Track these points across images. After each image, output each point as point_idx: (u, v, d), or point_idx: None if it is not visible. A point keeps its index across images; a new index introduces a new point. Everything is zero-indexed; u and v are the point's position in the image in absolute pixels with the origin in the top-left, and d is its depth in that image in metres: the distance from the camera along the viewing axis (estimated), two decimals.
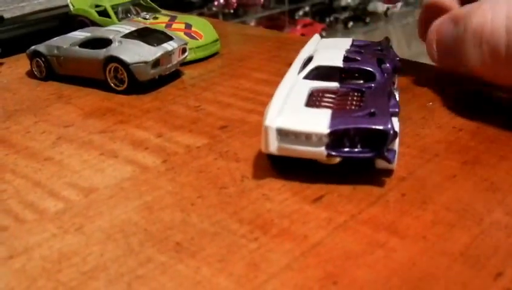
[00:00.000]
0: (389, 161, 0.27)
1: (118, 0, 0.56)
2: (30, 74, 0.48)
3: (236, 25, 0.71)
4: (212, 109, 0.38)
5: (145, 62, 0.41)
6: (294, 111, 0.29)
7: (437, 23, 0.37)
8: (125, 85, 0.42)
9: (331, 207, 0.26)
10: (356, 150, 0.27)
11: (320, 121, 0.27)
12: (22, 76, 0.49)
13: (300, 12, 2.61)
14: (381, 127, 0.27)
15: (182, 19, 0.53)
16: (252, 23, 2.35)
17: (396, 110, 0.29)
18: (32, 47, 0.47)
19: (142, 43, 0.43)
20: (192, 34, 0.50)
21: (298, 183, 0.29)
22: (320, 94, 0.31)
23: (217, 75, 0.45)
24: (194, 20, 0.53)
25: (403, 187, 0.28)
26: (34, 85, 0.46)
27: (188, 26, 0.51)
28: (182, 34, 0.49)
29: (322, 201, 0.27)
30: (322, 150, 0.27)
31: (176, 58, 0.44)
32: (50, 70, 0.46)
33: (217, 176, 0.30)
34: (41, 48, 0.47)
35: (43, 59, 0.46)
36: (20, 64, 0.51)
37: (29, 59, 0.48)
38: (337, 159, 0.28)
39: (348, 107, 0.30)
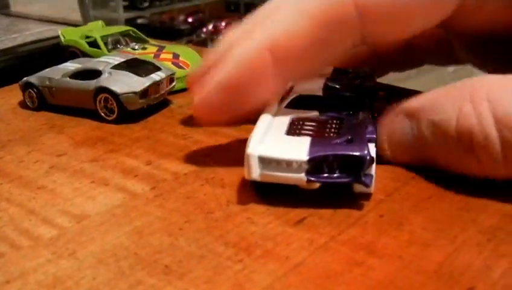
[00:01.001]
0: (367, 185, 0.28)
1: (108, 31, 0.58)
2: (23, 105, 0.50)
3: None
4: (199, 136, 0.40)
5: (134, 92, 0.43)
6: (275, 139, 0.30)
7: (387, 121, 0.33)
8: (115, 115, 0.43)
9: (313, 229, 0.28)
10: (335, 175, 0.29)
11: (300, 149, 0.29)
12: (14, 106, 0.50)
13: None
14: (357, 153, 0.28)
15: (170, 48, 0.54)
16: None
17: (374, 136, 0.31)
18: (25, 78, 0.49)
19: (131, 74, 0.44)
20: (180, 63, 0.51)
21: (281, 207, 0.30)
22: (301, 122, 0.33)
23: None
24: (182, 49, 0.54)
25: (381, 209, 0.29)
26: (26, 115, 0.47)
27: (176, 56, 0.53)
28: (169, 63, 0.51)
29: (304, 223, 0.28)
30: (302, 176, 0.28)
31: (164, 88, 0.45)
32: (42, 101, 0.48)
33: (203, 202, 0.31)
34: (33, 79, 0.48)
35: (35, 90, 0.48)
36: (12, 94, 0.52)
37: (22, 90, 0.49)
38: (317, 185, 0.29)
39: (327, 135, 0.31)
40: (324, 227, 0.28)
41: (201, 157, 0.36)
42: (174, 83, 0.47)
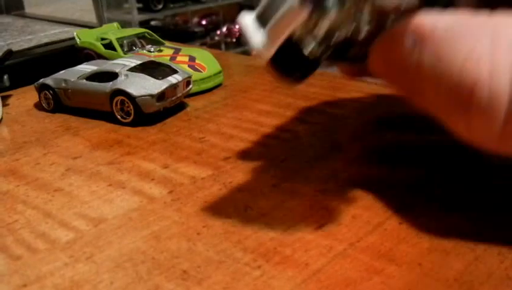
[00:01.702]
0: None
1: (123, 34, 0.58)
2: (38, 106, 0.50)
3: (239, 56, 0.72)
4: (215, 140, 0.40)
5: (151, 95, 0.42)
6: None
7: (389, 34, 0.26)
8: (131, 117, 0.43)
9: (331, 235, 0.28)
10: None
11: None
12: (30, 108, 0.50)
13: None
14: None
15: (186, 51, 0.54)
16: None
17: None
18: (41, 80, 0.49)
19: (147, 76, 0.44)
20: (196, 66, 0.51)
21: (300, 213, 0.30)
22: None
23: (220, 107, 0.47)
24: (198, 52, 0.54)
25: (400, 216, 0.29)
26: (42, 117, 0.48)
27: (192, 58, 0.53)
28: (186, 66, 0.51)
29: (323, 230, 0.28)
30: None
31: (181, 91, 0.45)
32: (58, 103, 0.48)
33: (221, 206, 0.31)
34: (49, 81, 0.48)
35: (51, 92, 0.48)
36: (27, 96, 0.53)
37: (38, 92, 0.49)
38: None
39: None
40: (343, 234, 0.28)
41: (218, 161, 0.36)
42: (190, 86, 0.47)
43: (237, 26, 2.28)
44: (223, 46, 2.22)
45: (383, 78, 0.28)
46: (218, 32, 2.23)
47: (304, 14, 0.23)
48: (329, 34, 0.26)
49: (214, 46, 2.22)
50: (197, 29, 2.16)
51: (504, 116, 0.22)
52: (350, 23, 0.26)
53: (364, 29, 0.26)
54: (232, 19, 2.32)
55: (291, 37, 0.25)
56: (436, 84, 0.24)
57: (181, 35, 2.02)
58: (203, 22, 2.23)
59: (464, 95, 0.23)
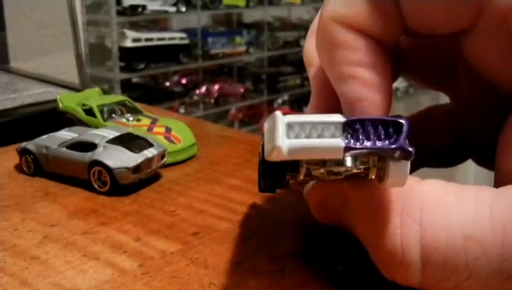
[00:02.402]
0: (409, 155, 0.24)
1: (104, 101, 0.61)
2: (18, 168, 0.52)
3: (214, 126, 0.75)
4: (186, 214, 0.42)
5: (127, 168, 0.45)
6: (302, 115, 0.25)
7: (319, 187, 0.31)
8: (107, 187, 0.46)
9: None
10: (377, 142, 0.24)
11: (334, 116, 0.25)
12: (10, 169, 0.52)
13: (279, 101, 2.69)
14: (398, 119, 0.25)
15: (163, 122, 0.57)
16: (233, 111, 2.42)
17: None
18: (23, 144, 0.51)
19: (124, 149, 0.47)
20: (172, 138, 0.54)
21: None
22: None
23: (192, 179, 0.49)
24: (174, 123, 0.57)
25: None
26: (22, 180, 0.50)
27: (168, 130, 0.55)
28: (162, 137, 0.54)
29: None
30: (339, 142, 0.24)
31: (155, 164, 0.48)
32: (38, 167, 0.50)
33: (187, 282, 0.33)
34: (30, 145, 0.50)
35: (32, 156, 0.50)
36: (9, 157, 0.54)
37: (19, 155, 0.51)
38: (349, 163, 0.26)
39: None
40: None
41: (187, 236, 0.39)
42: (165, 159, 0.50)
43: (216, 87, 2.33)
44: (201, 106, 2.26)
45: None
46: (197, 91, 2.27)
47: (339, 156, 0.25)
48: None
49: (193, 105, 2.26)
50: (176, 89, 2.19)
51: (420, 278, 0.25)
52: None
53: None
54: (211, 79, 2.37)
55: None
56: (363, 239, 0.28)
57: (161, 94, 2.06)
58: (183, 81, 2.28)
59: (383, 260, 0.26)
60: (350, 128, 0.24)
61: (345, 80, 0.27)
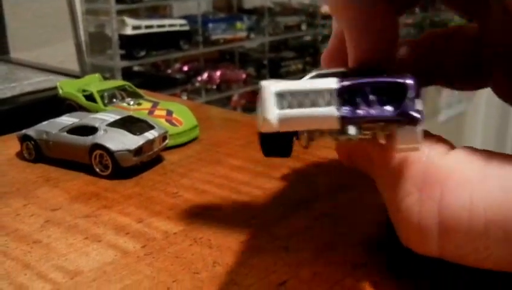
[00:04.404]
0: (415, 119, 0.23)
1: (104, 86, 0.60)
2: (19, 155, 0.51)
3: (216, 109, 0.75)
4: (188, 195, 0.42)
5: (129, 150, 0.45)
6: (295, 82, 0.24)
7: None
8: (109, 171, 0.45)
9: None
10: (374, 110, 0.23)
11: (327, 81, 0.23)
12: (11, 157, 0.52)
13: None
14: (401, 80, 0.23)
15: (164, 105, 0.56)
16: (235, 97, 2.41)
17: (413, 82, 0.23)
18: (23, 131, 0.51)
19: (125, 131, 0.46)
20: (173, 120, 0.54)
21: (264, 269, 0.32)
22: (325, 73, 0.27)
23: (194, 161, 0.49)
24: (175, 106, 0.57)
25: (358, 274, 0.31)
26: (23, 167, 0.49)
27: (169, 113, 0.55)
28: (163, 120, 0.53)
29: (285, 286, 0.30)
30: (332, 111, 0.23)
31: (157, 146, 0.48)
32: (39, 153, 0.50)
33: (191, 262, 0.33)
34: (31, 132, 0.50)
35: (32, 142, 0.50)
36: (9, 144, 0.54)
37: (20, 142, 0.51)
38: (352, 132, 0.24)
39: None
40: None
41: (190, 217, 0.38)
42: (167, 141, 0.49)
43: (217, 73, 2.32)
44: (203, 93, 2.25)
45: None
46: (199, 78, 2.26)
47: (335, 127, 0.23)
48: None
49: (195, 92, 2.25)
50: (178, 76, 2.19)
51: (438, 252, 0.25)
52: None
53: None
54: (213, 66, 2.36)
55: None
56: (385, 200, 0.27)
57: (163, 81, 2.06)
58: (185, 68, 2.27)
59: (401, 230, 0.26)
60: (347, 93, 0.23)
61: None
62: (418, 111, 0.22)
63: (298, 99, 0.23)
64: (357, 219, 0.37)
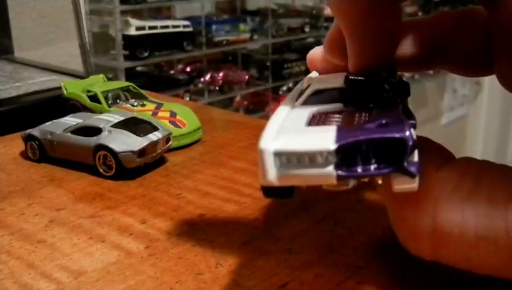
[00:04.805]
0: (412, 175, 0.23)
1: (108, 87, 0.60)
2: (24, 155, 0.52)
3: (219, 110, 0.75)
4: (192, 197, 0.42)
5: (132, 151, 0.45)
6: (294, 131, 0.24)
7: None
8: (113, 171, 0.46)
9: None
10: (371, 167, 0.23)
11: (325, 138, 0.23)
12: (16, 156, 0.52)
13: (284, 88, 2.68)
14: (397, 135, 0.22)
15: (167, 106, 0.57)
16: (238, 98, 2.41)
17: (413, 121, 0.24)
18: (28, 131, 0.51)
19: (129, 133, 0.46)
20: (177, 122, 0.54)
21: (266, 271, 0.32)
22: (323, 114, 0.27)
23: (198, 163, 0.49)
24: (179, 108, 0.57)
25: (360, 276, 0.31)
26: (27, 166, 0.50)
27: (173, 114, 0.55)
28: (167, 122, 0.53)
29: (286, 288, 0.30)
30: (330, 171, 0.23)
31: (161, 147, 0.48)
32: (43, 153, 0.50)
33: (194, 263, 0.33)
34: (35, 132, 0.50)
35: (37, 142, 0.50)
36: (14, 144, 0.55)
37: (24, 141, 0.51)
38: (350, 184, 0.24)
39: (356, 123, 0.25)
40: None
41: (193, 218, 0.39)
42: (170, 143, 0.49)
43: (220, 74, 2.32)
44: (206, 94, 2.25)
45: None
46: (202, 79, 2.26)
47: (333, 183, 0.23)
48: None
49: (197, 93, 2.25)
50: (181, 77, 2.18)
51: (433, 258, 0.25)
52: None
53: None
54: (216, 67, 2.36)
55: None
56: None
57: (165, 82, 2.06)
58: (188, 69, 2.27)
59: (400, 237, 0.26)
60: (344, 152, 0.22)
61: None
62: (414, 164, 0.22)
63: (297, 156, 0.23)
64: (359, 221, 0.37)
